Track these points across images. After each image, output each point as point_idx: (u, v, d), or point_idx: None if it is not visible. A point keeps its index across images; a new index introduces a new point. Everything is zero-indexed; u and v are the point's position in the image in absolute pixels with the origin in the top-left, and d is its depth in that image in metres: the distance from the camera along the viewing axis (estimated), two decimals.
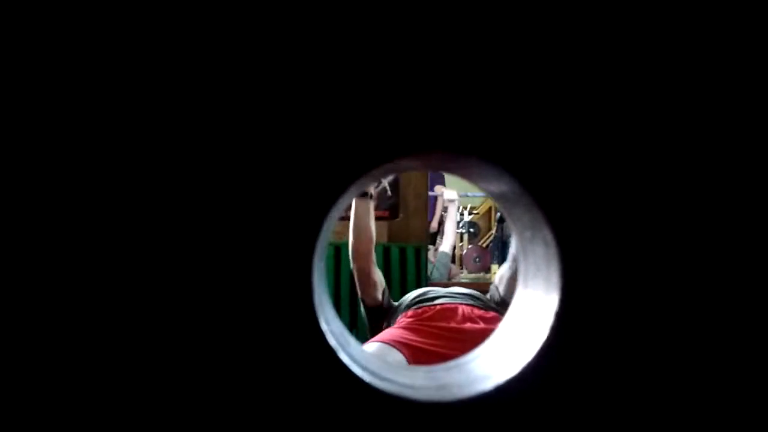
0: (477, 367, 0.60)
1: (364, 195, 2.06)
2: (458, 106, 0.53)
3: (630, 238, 0.53)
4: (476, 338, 1.95)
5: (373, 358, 0.63)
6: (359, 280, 2.14)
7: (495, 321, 2.09)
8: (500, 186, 0.57)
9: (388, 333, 1.95)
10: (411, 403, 0.53)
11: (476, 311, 2.12)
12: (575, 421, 0.53)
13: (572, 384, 0.53)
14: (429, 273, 3.42)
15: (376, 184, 2.21)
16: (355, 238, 2.06)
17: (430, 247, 3.80)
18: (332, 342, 0.54)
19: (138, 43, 0.52)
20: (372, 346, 1.78)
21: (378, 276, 2.14)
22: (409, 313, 2.08)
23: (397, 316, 2.11)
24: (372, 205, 2.10)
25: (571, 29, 0.52)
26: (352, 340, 0.61)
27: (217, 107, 0.52)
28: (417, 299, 2.19)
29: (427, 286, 2.79)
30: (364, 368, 0.56)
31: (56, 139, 0.52)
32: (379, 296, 2.15)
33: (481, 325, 2.05)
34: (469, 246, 4.50)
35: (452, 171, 0.62)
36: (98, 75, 0.52)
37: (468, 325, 2.05)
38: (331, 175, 0.53)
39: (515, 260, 2.21)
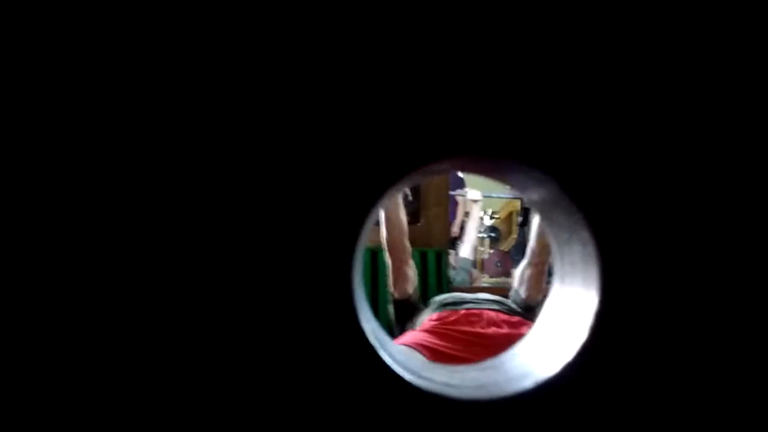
0: (515, 365, 0.60)
1: None
2: (495, 108, 0.53)
3: (668, 239, 0.53)
4: (499, 343, 1.95)
5: (410, 358, 0.64)
6: (393, 271, 2.18)
7: (520, 325, 2.08)
8: (539, 189, 0.57)
9: (410, 335, 1.96)
10: (451, 401, 0.53)
11: (501, 316, 2.12)
12: (614, 420, 0.53)
13: (611, 383, 0.53)
14: (451, 278, 3.42)
15: None
16: (387, 230, 2.11)
17: (451, 251, 3.80)
18: (373, 341, 0.55)
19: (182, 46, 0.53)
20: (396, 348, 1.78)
21: (411, 271, 2.19)
22: (434, 316, 2.08)
23: (422, 317, 2.12)
24: (400, 198, 2.15)
25: (612, 31, 0.53)
26: (388, 340, 0.62)
27: (258, 113, 0.54)
28: (443, 303, 2.20)
29: (449, 291, 2.79)
30: (403, 366, 0.57)
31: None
32: (410, 290, 2.19)
33: (506, 329, 2.04)
34: (491, 251, 4.49)
35: (489, 174, 0.63)
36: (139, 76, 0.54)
37: (492, 329, 2.04)
38: (369, 180, 0.54)
39: (534, 255, 2.20)
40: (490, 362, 0.65)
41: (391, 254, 2.15)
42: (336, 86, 0.54)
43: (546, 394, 0.53)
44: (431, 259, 3.09)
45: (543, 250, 2.22)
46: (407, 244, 2.18)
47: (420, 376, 0.58)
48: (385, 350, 0.57)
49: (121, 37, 0.53)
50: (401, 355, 0.61)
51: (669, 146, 0.53)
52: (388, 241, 2.13)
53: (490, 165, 0.57)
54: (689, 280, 0.53)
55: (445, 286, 3.15)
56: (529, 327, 2.05)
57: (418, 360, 1.75)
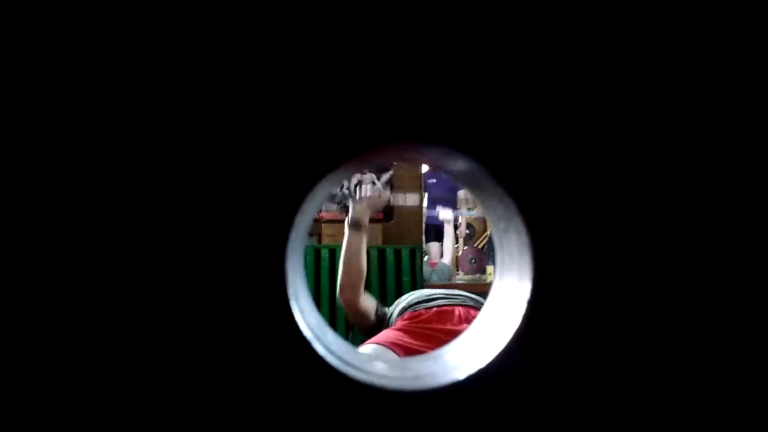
0: (452, 357, 0.60)
1: (358, 227, 2.00)
2: (425, 95, 0.53)
3: (600, 226, 0.53)
4: None
5: (352, 350, 0.64)
6: (347, 312, 2.08)
7: None
8: (474, 178, 0.57)
9: (384, 335, 1.95)
10: (383, 392, 0.53)
11: (473, 312, 2.12)
12: (547, 408, 0.53)
13: (544, 371, 0.53)
14: (426, 277, 3.43)
15: (370, 214, 2.15)
16: (344, 271, 1.99)
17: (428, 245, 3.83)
18: (307, 333, 0.54)
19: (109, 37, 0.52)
20: (368, 347, 1.77)
21: (366, 303, 2.08)
22: (406, 315, 2.08)
23: (395, 317, 2.11)
24: (365, 238, 2.03)
25: (540, 15, 0.53)
26: (329, 332, 0.61)
27: (190, 101, 0.53)
28: (414, 302, 2.19)
29: (422, 288, 2.79)
30: (340, 359, 0.56)
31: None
32: (372, 320, 2.09)
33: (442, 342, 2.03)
34: (465, 247, 4.51)
35: (425, 162, 0.62)
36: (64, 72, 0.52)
37: (464, 326, 2.05)
38: (301, 169, 0.53)
39: None
40: (433, 354, 0.64)
41: (343, 294, 2.02)
42: (269, 75, 0.53)
43: (477, 383, 0.53)
44: (405, 257, 3.10)
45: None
46: (362, 289, 2.04)
47: (359, 369, 0.57)
48: (322, 343, 0.57)
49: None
50: (341, 346, 0.60)
51: (601, 134, 0.53)
52: (343, 282, 2.00)
53: (426, 153, 0.57)
54: (621, 269, 0.53)
55: (419, 283, 3.16)
56: None
57: (390, 360, 1.74)
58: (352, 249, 1.98)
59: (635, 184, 0.53)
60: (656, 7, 0.53)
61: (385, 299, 2.98)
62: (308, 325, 0.56)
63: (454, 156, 0.54)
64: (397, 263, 3.11)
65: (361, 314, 2.05)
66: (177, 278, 0.53)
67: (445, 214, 3.79)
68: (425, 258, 3.59)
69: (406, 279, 3.16)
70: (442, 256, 3.98)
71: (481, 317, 0.65)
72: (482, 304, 2.19)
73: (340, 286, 2.01)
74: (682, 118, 0.54)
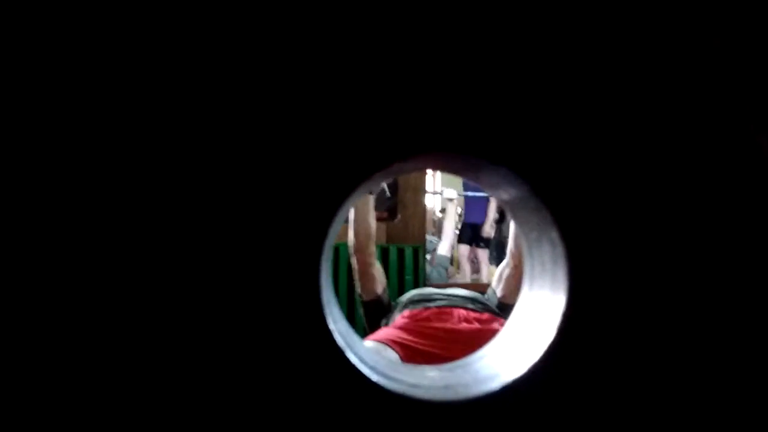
0: (483, 366, 0.60)
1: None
2: (465, 108, 0.53)
3: (636, 240, 0.53)
4: (471, 339, 1.95)
5: (379, 358, 0.64)
6: (359, 273, 2.16)
7: (491, 322, 2.09)
8: (508, 189, 0.57)
9: (383, 332, 1.95)
10: (417, 402, 0.53)
11: (472, 314, 2.13)
12: (581, 421, 0.53)
13: (579, 384, 0.53)
14: (428, 275, 3.43)
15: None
16: (355, 232, 2.08)
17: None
18: (340, 341, 0.54)
19: (147, 48, 0.52)
20: (367, 344, 1.77)
21: (378, 272, 2.16)
22: (406, 313, 2.08)
23: (395, 315, 2.11)
24: (372, 199, 2.11)
25: (575, 31, 0.53)
26: (357, 339, 0.61)
27: (226, 112, 0.52)
28: (414, 299, 2.20)
29: (425, 286, 2.79)
30: (371, 368, 0.56)
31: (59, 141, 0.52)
32: (379, 290, 2.16)
33: (477, 325, 2.05)
34: (469, 246, 4.51)
35: (461, 173, 0.62)
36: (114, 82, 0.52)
37: (463, 325, 2.05)
38: (337, 178, 0.53)
39: (513, 257, 2.22)
40: (459, 363, 0.64)
41: (357, 257, 2.12)
42: (306, 85, 0.52)
43: (512, 395, 0.53)
44: (408, 255, 3.10)
45: (521, 252, 2.23)
46: (373, 248, 2.14)
47: (388, 377, 0.57)
48: (354, 351, 0.57)
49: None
50: (371, 355, 0.60)
51: (637, 148, 0.53)
52: (354, 244, 2.11)
53: (461, 164, 0.57)
54: (655, 283, 0.53)
55: (421, 282, 3.16)
56: (501, 324, 2.07)
57: (389, 357, 1.75)
58: (359, 210, 2.07)
59: (674, 201, 0.53)
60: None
61: None
62: (340, 333, 0.56)
63: (491, 168, 0.54)
64: (400, 262, 3.11)
65: (371, 280, 2.13)
66: (214, 289, 0.52)
67: (449, 193, 3.72)
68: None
69: (408, 277, 3.17)
70: (437, 240, 3.90)
71: (511, 326, 0.64)
72: (483, 305, 2.20)
73: (353, 246, 2.10)
74: (721, 145, 0.54)
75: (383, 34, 0.53)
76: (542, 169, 0.53)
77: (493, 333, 2.20)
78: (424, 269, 3.28)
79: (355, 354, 0.56)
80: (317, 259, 0.53)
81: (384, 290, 2.21)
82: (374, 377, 0.54)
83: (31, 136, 0.51)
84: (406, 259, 3.13)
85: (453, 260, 4.06)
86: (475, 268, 4.35)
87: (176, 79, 0.52)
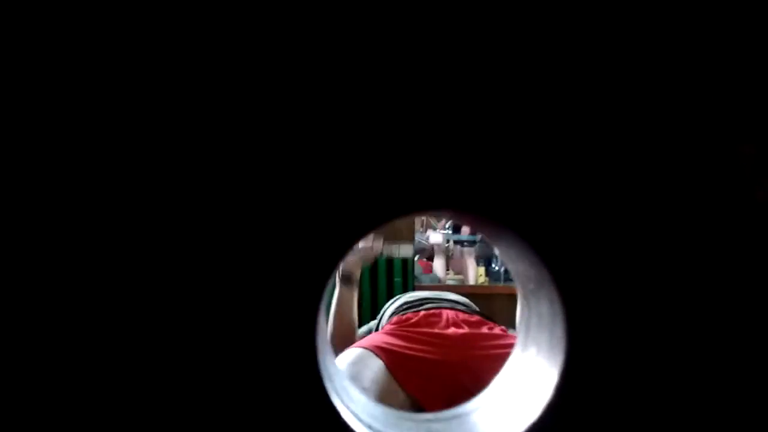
0: (479, 421, 0.60)
1: (348, 281, 1.92)
2: (463, 164, 0.52)
3: (636, 300, 0.53)
4: (458, 343, 1.93)
5: (376, 410, 0.63)
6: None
7: (480, 325, 2.09)
8: (508, 244, 0.56)
9: (369, 339, 1.94)
10: None
11: (461, 315, 2.13)
12: None
13: None
14: (418, 278, 3.43)
15: (359, 270, 2.10)
16: (336, 325, 1.89)
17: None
18: (336, 401, 0.53)
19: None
20: (352, 352, 1.77)
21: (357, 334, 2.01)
22: (394, 319, 2.07)
23: (384, 322, 2.11)
24: (356, 293, 1.95)
25: (581, 86, 0.52)
26: (354, 395, 0.60)
27: (221, 160, 0.51)
28: (402, 306, 2.19)
29: (414, 289, 2.79)
30: (367, 425, 0.56)
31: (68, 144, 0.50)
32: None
33: (465, 329, 2.05)
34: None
35: (465, 224, 0.61)
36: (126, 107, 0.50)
37: (451, 330, 2.05)
38: (336, 235, 0.52)
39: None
40: (452, 413, 0.64)
41: (336, 345, 1.83)
42: (308, 136, 0.51)
43: None
44: (397, 265, 3.10)
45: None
46: (354, 339, 1.92)
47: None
48: (350, 408, 0.56)
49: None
50: (366, 409, 0.59)
51: (638, 208, 0.53)
52: (335, 335, 1.87)
53: (458, 218, 0.56)
54: (657, 343, 0.53)
55: (410, 285, 3.16)
56: (490, 327, 2.07)
57: (372, 366, 1.71)
58: (343, 304, 1.91)
59: (675, 262, 0.53)
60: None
61: (376, 301, 2.98)
62: (336, 391, 0.55)
63: (490, 225, 0.53)
64: (389, 271, 3.11)
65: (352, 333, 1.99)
66: (208, 348, 0.51)
67: (435, 237, 3.69)
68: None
69: (398, 279, 3.17)
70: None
71: (505, 376, 0.64)
72: (472, 308, 2.20)
73: (332, 338, 1.88)
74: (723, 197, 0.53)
75: (387, 83, 0.52)
76: (542, 228, 0.52)
77: (482, 337, 2.19)
78: (413, 279, 3.29)
79: (353, 412, 0.56)
80: (314, 318, 0.52)
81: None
82: None
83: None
84: (395, 269, 3.13)
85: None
86: (459, 269, 4.36)
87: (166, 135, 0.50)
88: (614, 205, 0.53)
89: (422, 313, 2.11)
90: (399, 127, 0.52)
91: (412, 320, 2.07)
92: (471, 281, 4.10)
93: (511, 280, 3.45)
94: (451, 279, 4.11)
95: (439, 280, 3.62)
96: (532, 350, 0.60)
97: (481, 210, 0.52)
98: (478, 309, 2.26)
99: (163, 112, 0.51)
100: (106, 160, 0.51)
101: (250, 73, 0.51)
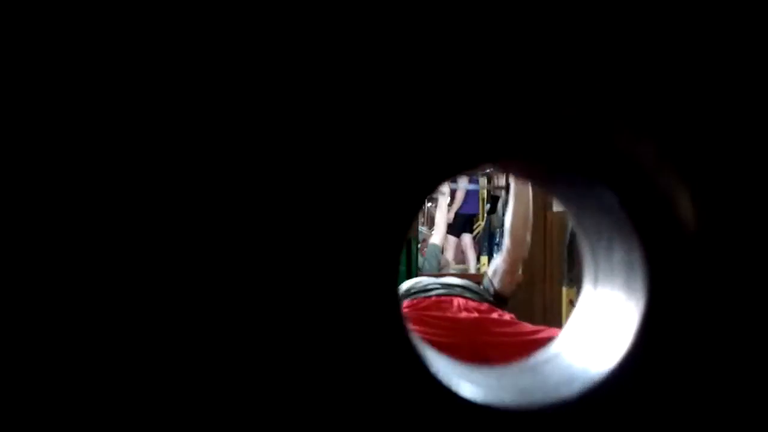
0: (551, 371, 0.60)
1: None
2: (547, 111, 0.52)
3: (719, 245, 0.53)
4: (471, 328, 1.94)
5: (440, 361, 0.63)
6: None
7: (490, 312, 2.11)
8: (588, 195, 0.56)
9: None
10: (501, 413, 0.52)
11: (471, 303, 2.14)
12: (661, 427, 0.53)
13: (657, 392, 0.53)
14: (420, 265, 3.44)
15: None
16: None
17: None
18: (418, 348, 0.53)
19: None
20: None
21: None
22: (405, 303, 2.08)
23: None
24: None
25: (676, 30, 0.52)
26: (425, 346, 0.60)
27: (306, 107, 0.51)
28: (411, 290, 2.20)
29: (417, 276, 2.80)
30: (444, 374, 0.56)
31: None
32: None
33: (476, 315, 2.06)
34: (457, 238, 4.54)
35: (537, 182, 0.61)
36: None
37: (464, 314, 2.07)
38: (415, 182, 0.52)
39: (508, 253, 2.23)
40: (526, 364, 0.64)
41: None
42: (392, 84, 0.51)
43: (589, 403, 0.53)
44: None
45: (517, 247, 2.25)
46: None
47: (453, 381, 0.56)
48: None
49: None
50: (438, 361, 0.59)
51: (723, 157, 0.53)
52: None
53: (544, 175, 0.56)
54: (740, 285, 0.53)
55: (414, 273, 3.16)
56: (500, 314, 2.07)
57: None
58: None
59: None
60: None
61: None
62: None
63: (570, 179, 0.53)
64: None
65: None
66: (291, 290, 0.51)
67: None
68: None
69: (401, 268, 3.17)
70: (431, 228, 3.90)
71: (574, 326, 0.64)
72: (480, 295, 2.21)
73: None
74: None
75: (465, 32, 0.52)
76: (627, 175, 0.52)
77: (492, 322, 2.21)
78: (416, 259, 3.29)
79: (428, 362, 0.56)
80: (395, 259, 0.52)
81: None
82: (453, 386, 0.53)
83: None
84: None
85: (444, 250, 4.08)
86: (461, 259, 4.38)
87: (264, 80, 0.50)
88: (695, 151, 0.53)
89: (433, 298, 2.13)
90: (487, 75, 0.52)
91: (423, 304, 2.08)
92: (472, 270, 4.13)
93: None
94: (453, 268, 4.13)
95: (439, 256, 3.60)
96: (604, 299, 0.60)
97: (569, 162, 0.52)
98: (488, 297, 2.27)
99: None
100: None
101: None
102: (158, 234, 0.50)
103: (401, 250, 0.52)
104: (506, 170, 0.56)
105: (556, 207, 3.54)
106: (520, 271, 2.32)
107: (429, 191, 0.53)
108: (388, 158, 0.51)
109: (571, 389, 0.54)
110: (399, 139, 0.51)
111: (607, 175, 0.52)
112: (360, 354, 0.51)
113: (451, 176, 0.52)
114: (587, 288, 0.65)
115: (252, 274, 0.50)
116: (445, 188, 3.61)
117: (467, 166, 0.52)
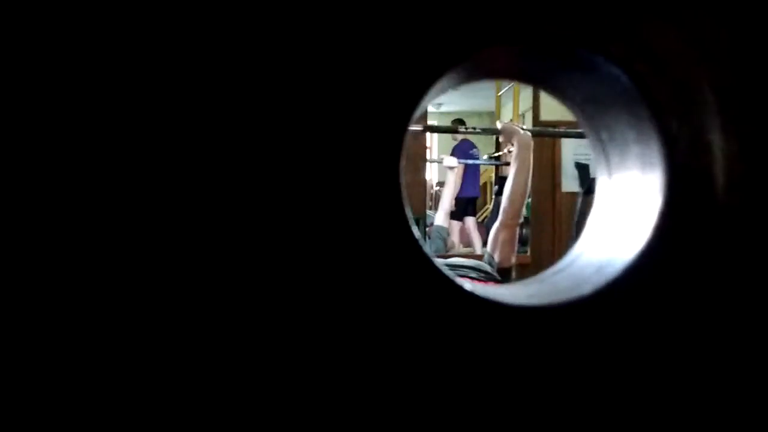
0: (566, 278, 0.57)
1: None
2: None
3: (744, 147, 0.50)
4: None
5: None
6: None
7: None
8: (598, 87, 0.53)
9: None
10: (505, 307, 0.49)
11: (477, 283, 2.12)
12: (679, 328, 0.50)
13: (674, 288, 0.50)
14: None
15: None
16: None
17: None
18: (422, 244, 0.50)
19: None
20: None
21: None
22: None
23: None
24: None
25: None
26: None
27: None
28: None
29: None
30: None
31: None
32: None
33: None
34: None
35: (542, 72, 0.58)
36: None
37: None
38: (419, 67, 0.49)
39: (507, 215, 2.21)
40: (535, 278, 0.61)
41: None
42: None
43: (604, 300, 0.50)
44: None
45: (515, 214, 2.23)
46: None
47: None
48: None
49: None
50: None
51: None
52: None
53: (552, 59, 0.53)
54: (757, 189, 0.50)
55: None
56: None
57: None
58: None
59: None
60: None
61: None
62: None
63: (595, 65, 0.50)
64: None
65: None
66: (291, 186, 0.48)
67: (449, 161, 3.66)
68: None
69: None
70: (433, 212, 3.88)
71: (586, 235, 0.61)
72: (486, 273, 2.18)
73: None
74: None
75: None
76: (639, 55, 0.49)
77: None
78: (425, 241, 3.26)
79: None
80: (399, 148, 0.49)
81: None
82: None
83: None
84: None
85: (450, 231, 4.05)
86: (467, 242, 4.34)
87: None
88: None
89: None
90: None
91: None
92: (478, 251, 4.10)
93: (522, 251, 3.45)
94: (461, 250, 4.10)
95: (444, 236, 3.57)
96: (620, 193, 0.57)
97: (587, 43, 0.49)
98: (493, 273, 2.25)
99: None
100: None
101: None
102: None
103: (404, 138, 0.49)
104: (505, 67, 0.52)
105: (565, 187, 3.51)
106: (517, 240, 2.32)
107: (427, 81, 0.49)
108: (382, 45, 0.48)
109: (582, 291, 0.51)
110: (389, 26, 0.48)
111: (625, 60, 0.49)
112: (361, 241, 0.49)
113: (455, 64, 0.49)
114: (603, 176, 0.61)
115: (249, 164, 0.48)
116: (454, 162, 3.58)
117: (465, 51, 0.49)
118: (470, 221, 4.30)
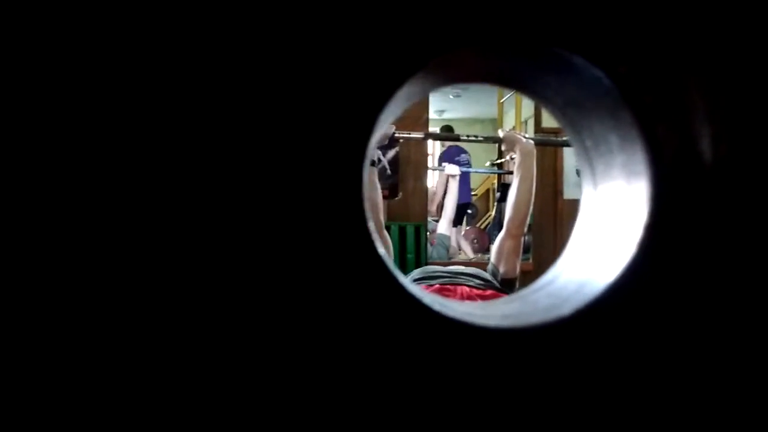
0: (545, 297, 0.53)
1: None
2: None
3: (732, 152, 0.46)
4: None
5: (420, 291, 0.56)
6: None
7: (493, 298, 2.04)
8: (579, 90, 0.49)
9: None
10: (484, 331, 0.45)
11: (475, 291, 2.08)
12: (663, 352, 0.46)
13: (658, 306, 0.46)
14: (429, 254, 3.37)
15: (376, 158, 2.18)
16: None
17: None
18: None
19: None
20: None
21: (387, 239, 2.14)
22: None
23: None
24: (375, 171, 2.05)
25: None
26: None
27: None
28: (416, 278, 2.14)
29: (427, 265, 2.74)
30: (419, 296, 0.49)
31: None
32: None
33: (478, 302, 2.00)
34: (467, 227, 4.45)
35: (519, 75, 0.54)
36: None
37: (466, 302, 2.01)
38: (385, 70, 0.45)
39: (512, 224, 2.17)
40: (515, 295, 0.57)
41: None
42: None
43: (584, 320, 0.46)
44: (410, 233, 3.04)
45: (521, 223, 2.19)
46: (382, 219, 2.10)
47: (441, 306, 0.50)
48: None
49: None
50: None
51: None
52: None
53: (528, 61, 0.49)
54: (745, 195, 0.46)
55: (423, 261, 3.10)
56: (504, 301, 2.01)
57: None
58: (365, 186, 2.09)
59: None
60: None
61: None
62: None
63: (569, 62, 0.46)
64: (401, 240, 3.05)
65: (386, 245, 2.08)
66: (253, 198, 0.45)
67: (451, 169, 3.62)
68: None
69: (410, 256, 3.11)
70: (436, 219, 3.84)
71: (567, 252, 0.57)
72: (485, 281, 2.15)
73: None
74: None
75: None
76: (622, 56, 0.45)
77: None
78: (426, 247, 3.22)
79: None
80: (360, 162, 0.45)
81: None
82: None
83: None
84: (408, 238, 3.07)
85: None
86: (483, 248, 4.28)
87: None
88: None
89: (436, 285, 2.06)
90: None
91: (426, 293, 2.03)
92: (470, 255, 4.06)
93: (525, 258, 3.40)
94: (463, 258, 4.06)
95: (448, 245, 3.55)
96: (606, 206, 0.53)
97: (566, 43, 0.45)
98: (493, 282, 2.20)
99: None
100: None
101: None
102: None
103: (364, 155, 0.46)
104: (474, 71, 0.49)
105: (567, 194, 3.45)
106: (522, 249, 2.27)
107: (386, 91, 0.46)
108: (349, 47, 0.45)
109: (561, 312, 0.46)
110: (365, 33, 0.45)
111: (596, 51, 0.45)
112: (321, 257, 0.45)
113: (423, 66, 0.45)
114: (587, 186, 0.57)
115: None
116: (456, 171, 3.53)
117: (427, 55, 0.45)
118: (463, 235, 4.26)
